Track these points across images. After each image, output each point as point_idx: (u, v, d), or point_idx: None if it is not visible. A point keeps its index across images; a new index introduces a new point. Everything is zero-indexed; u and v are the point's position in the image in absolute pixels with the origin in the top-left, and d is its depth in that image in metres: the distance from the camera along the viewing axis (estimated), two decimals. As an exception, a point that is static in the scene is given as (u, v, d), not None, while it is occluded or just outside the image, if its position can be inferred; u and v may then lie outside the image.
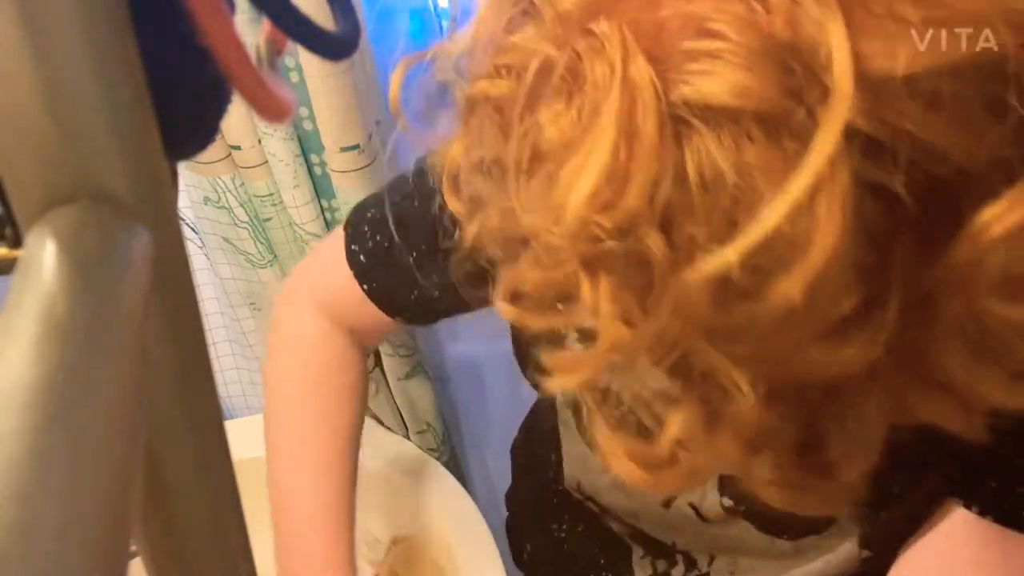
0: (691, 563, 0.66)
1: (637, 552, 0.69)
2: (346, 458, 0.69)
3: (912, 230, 0.29)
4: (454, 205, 0.38)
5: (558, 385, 0.36)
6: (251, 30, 0.25)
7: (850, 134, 0.26)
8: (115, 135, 0.20)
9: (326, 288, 0.69)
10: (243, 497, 0.27)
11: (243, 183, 0.87)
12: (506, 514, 0.85)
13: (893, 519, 0.56)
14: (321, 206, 0.89)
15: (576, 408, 0.62)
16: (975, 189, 0.28)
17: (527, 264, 0.35)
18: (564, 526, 0.74)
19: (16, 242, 0.20)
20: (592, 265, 0.32)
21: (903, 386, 0.33)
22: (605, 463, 0.39)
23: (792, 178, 0.26)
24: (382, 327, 0.71)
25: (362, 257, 0.66)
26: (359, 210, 0.67)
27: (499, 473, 1.21)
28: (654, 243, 0.29)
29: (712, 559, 0.65)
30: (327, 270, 0.68)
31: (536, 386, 0.69)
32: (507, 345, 0.66)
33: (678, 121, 0.28)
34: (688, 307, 0.30)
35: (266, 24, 0.25)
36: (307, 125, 0.82)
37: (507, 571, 0.79)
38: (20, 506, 0.14)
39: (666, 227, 0.29)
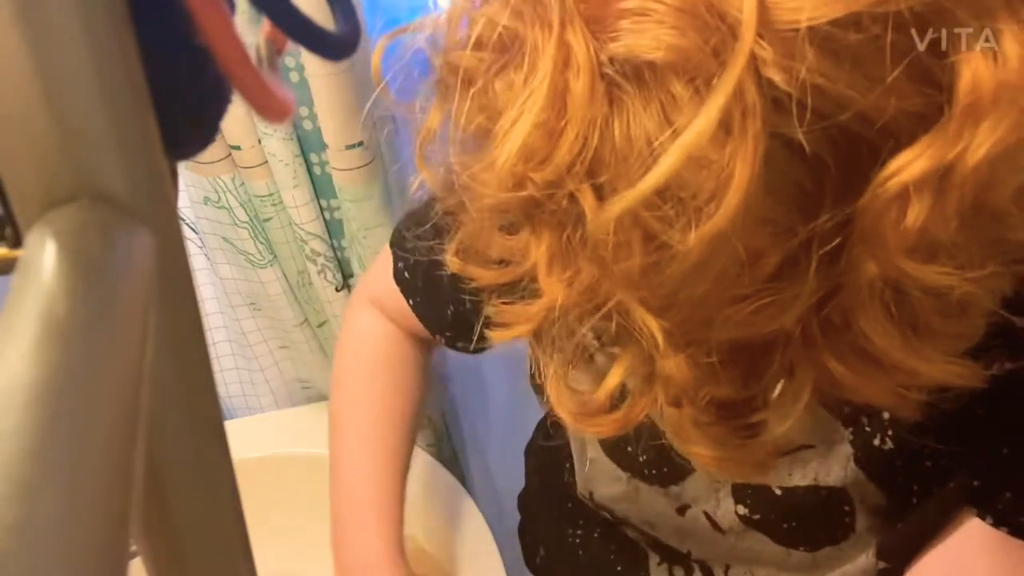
0: (707, 572, 0.66)
1: (654, 559, 0.69)
2: (400, 438, 0.74)
3: (832, 192, 0.29)
4: (424, 173, 0.39)
5: (501, 337, 0.38)
6: (251, 30, 0.25)
7: (762, 87, 0.27)
8: (115, 135, 0.20)
9: (384, 301, 0.73)
10: (243, 497, 0.27)
11: (243, 183, 0.87)
12: (506, 513, 0.85)
13: (910, 530, 0.56)
14: (321, 206, 0.89)
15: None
16: (890, 145, 0.28)
17: (472, 220, 0.37)
18: (579, 531, 0.74)
19: (16, 242, 0.20)
20: (529, 220, 0.33)
21: (826, 354, 0.33)
22: (551, 404, 0.41)
23: (693, 122, 0.27)
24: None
25: (406, 273, 0.69)
26: (401, 228, 0.70)
27: (499, 473, 1.21)
28: (584, 197, 0.30)
29: (728, 568, 0.65)
30: (384, 285, 0.72)
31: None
32: (507, 345, 0.66)
33: (608, 81, 0.29)
34: (602, 251, 0.31)
35: (266, 24, 0.25)
36: (307, 125, 0.82)
37: (510, 571, 0.79)
38: (20, 505, 0.14)
39: (594, 180, 0.30)
